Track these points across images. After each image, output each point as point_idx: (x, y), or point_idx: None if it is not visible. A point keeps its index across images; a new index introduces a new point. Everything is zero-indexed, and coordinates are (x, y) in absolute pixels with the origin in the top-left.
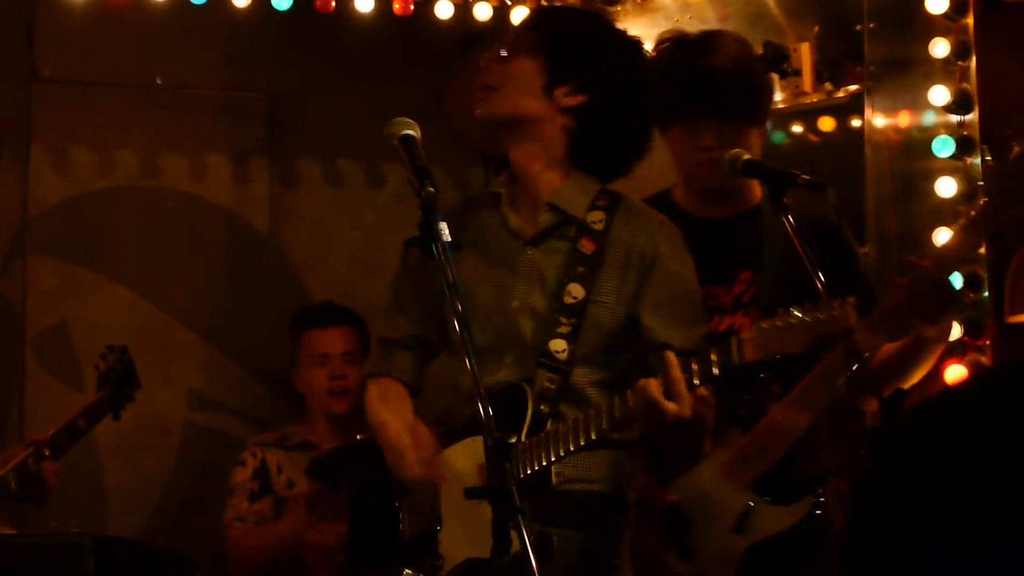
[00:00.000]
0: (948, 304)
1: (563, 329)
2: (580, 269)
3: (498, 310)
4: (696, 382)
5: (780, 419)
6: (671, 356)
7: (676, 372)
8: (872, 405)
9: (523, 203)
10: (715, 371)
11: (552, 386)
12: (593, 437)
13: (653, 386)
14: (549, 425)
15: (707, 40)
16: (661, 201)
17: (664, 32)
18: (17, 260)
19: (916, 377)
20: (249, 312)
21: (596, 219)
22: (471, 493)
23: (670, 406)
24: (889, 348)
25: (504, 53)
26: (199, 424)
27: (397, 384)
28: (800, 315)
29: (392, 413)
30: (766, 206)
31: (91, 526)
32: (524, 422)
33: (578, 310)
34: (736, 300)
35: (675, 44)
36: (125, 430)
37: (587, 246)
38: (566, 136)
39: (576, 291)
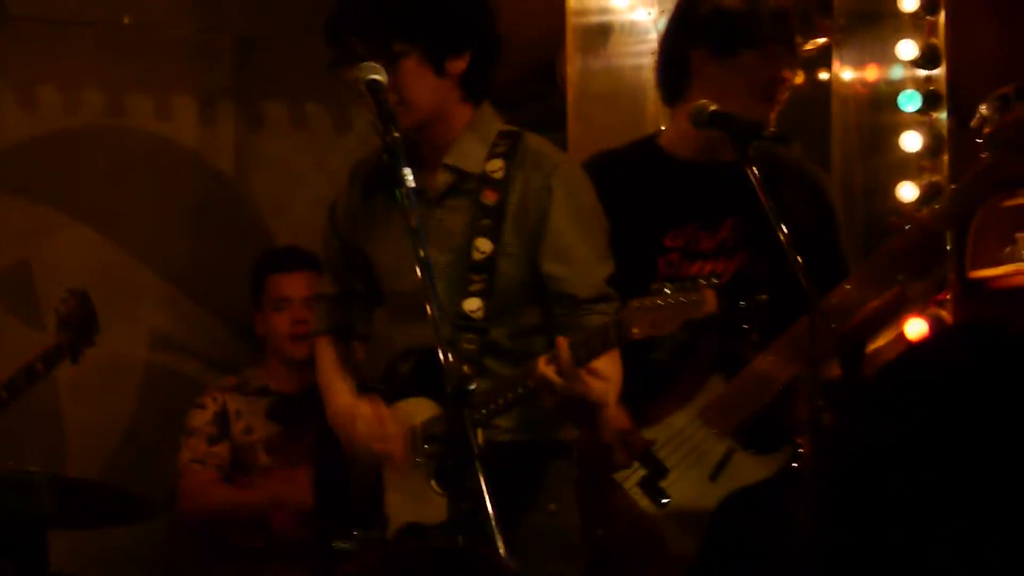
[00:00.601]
0: (939, 261)
1: (475, 287)
2: (485, 222)
3: (411, 269)
4: (582, 359)
5: (763, 368)
6: (561, 342)
7: (564, 354)
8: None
9: (423, 165)
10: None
11: (472, 346)
12: (504, 405)
13: (541, 365)
14: (474, 384)
15: None
16: (644, 146)
17: None
18: None
19: (890, 334)
20: (213, 254)
21: (495, 168)
22: (431, 439)
23: (560, 383)
24: (867, 306)
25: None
26: (160, 365)
27: (340, 341)
28: (665, 297)
29: (340, 383)
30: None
31: (50, 466)
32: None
33: (487, 265)
34: (720, 245)
35: None
36: (86, 370)
37: (489, 197)
38: (456, 90)
39: (483, 245)
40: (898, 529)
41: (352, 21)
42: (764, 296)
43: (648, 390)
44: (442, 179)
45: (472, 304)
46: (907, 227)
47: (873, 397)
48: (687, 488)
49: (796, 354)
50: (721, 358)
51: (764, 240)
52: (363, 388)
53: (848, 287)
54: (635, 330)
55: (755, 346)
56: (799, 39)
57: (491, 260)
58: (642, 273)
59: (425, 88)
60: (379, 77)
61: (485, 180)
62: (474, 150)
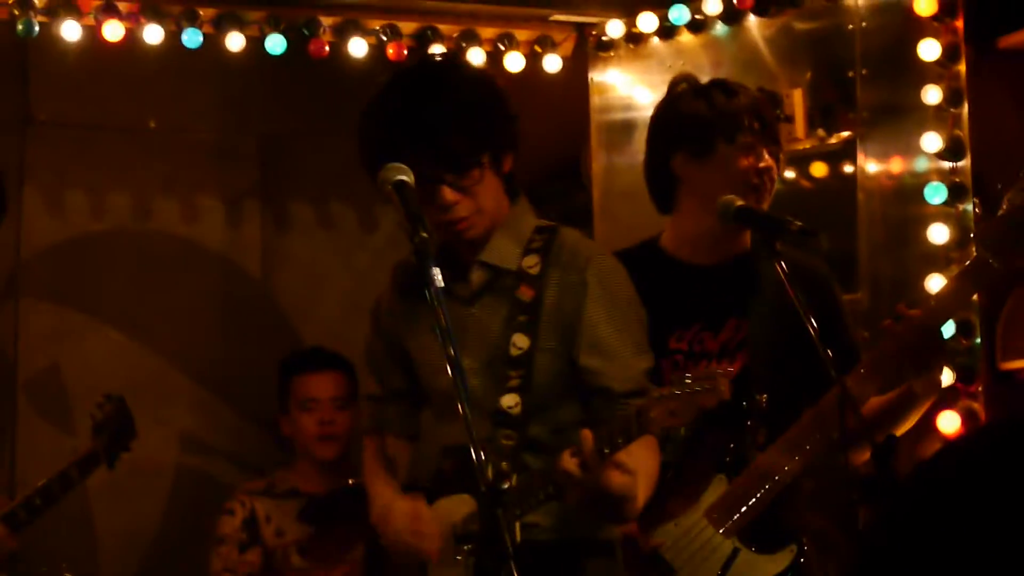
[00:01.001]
0: (938, 356)
1: (513, 383)
2: (521, 318)
3: (445, 366)
4: (606, 451)
5: (768, 465)
6: (586, 434)
7: (587, 446)
8: (861, 456)
9: (460, 260)
10: (619, 442)
11: (511, 442)
12: (541, 500)
13: (565, 459)
14: (513, 480)
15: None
16: (647, 248)
17: (676, 77)
18: (9, 303)
19: (904, 428)
20: (241, 356)
21: (531, 264)
22: (464, 538)
23: (581, 476)
24: (877, 399)
25: (467, 184)
26: (191, 467)
27: (388, 441)
28: (684, 386)
29: (380, 483)
30: (757, 252)
31: (82, 570)
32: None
33: (525, 361)
34: (723, 346)
35: (694, 83)
36: (117, 474)
37: (526, 293)
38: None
39: (521, 341)
40: None
41: (428, 148)
42: (764, 396)
43: (654, 491)
44: (477, 277)
45: (510, 400)
46: (899, 326)
47: (910, 497)
48: None
49: (800, 449)
50: (725, 458)
51: (768, 338)
52: (410, 487)
53: (851, 383)
54: (655, 420)
55: (759, 446)
56: (776, 126)
57: (528, 356)
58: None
59: (495, 193)
60: (406, 178)
61: (521, 276)
62: (509, 246)
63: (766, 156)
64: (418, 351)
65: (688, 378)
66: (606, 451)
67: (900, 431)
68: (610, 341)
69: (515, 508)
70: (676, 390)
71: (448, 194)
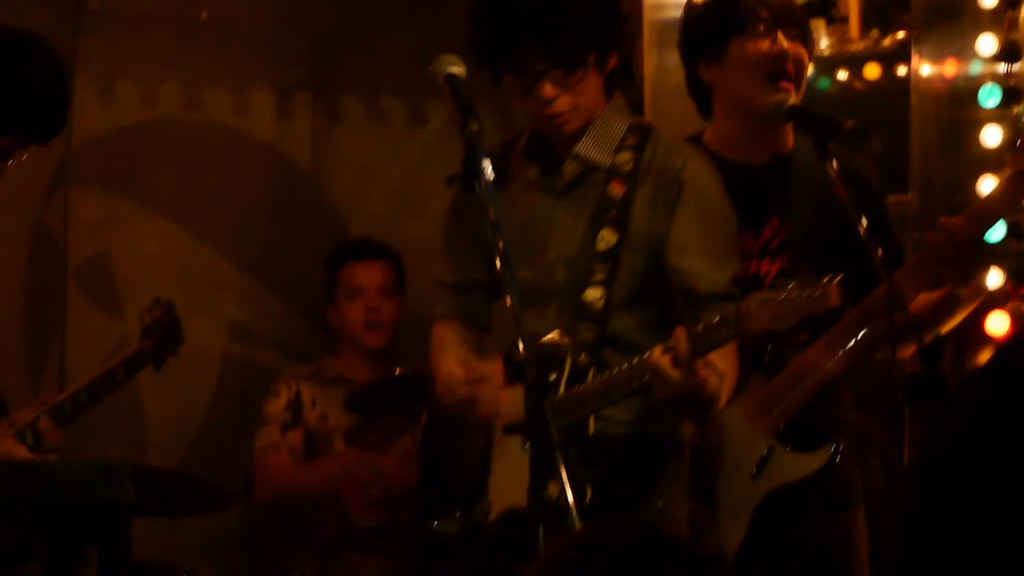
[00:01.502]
0: (980, 262)
1: (598, 277)
2: (611, 213)
3: (535, 259)
4: (699, 350)
5: (809, 363)
6: (680, 331)
7: (682, 344)
8: (906, 352)
9: (551, 152)
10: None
11: (591, 335)
12: (620, 396)
13: (657, 355)
14: (591, 375)
15: None
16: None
17: None
18: (60, 191)
19: (948, 327)
20: (289, 247)
21: (624, 159)
22: (509, 429)
23: (674, 373)
24: (922, 298)
25: (567, 80)
26: (238, 356)
27: (457, 327)
28: (789, 291)
29: (447, 354)
30: (799, 152)
31: (131, 454)
32: (563, 372)
33: (612, 255)
34: (764, 246)
35: None
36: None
37: (616, 189)
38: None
39: (609, 236)
40: (999, 532)
41: (538, 35)
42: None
43: None
44: (570, 169)
45: (594, 293)
46: (945, 228)
47: (972, 398)
48: (731, 486)
49: (842, 346)
50: (763, 357)
51: (808, 239)
52: None
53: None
54: (754, 323)
55: (799, 345)
56: (797, 11)
57: (615, 251)
58: None
59: (596, 90)
60: (457, 70)
61: (613, 172)
62: (603, 142)
63: (783, 40)
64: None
65: (793, 283)
66: (699, 350)
67: (944, 330)
68: (699, 244)
69: (591, 403)
70: (781, 294)
71: (549, 89)
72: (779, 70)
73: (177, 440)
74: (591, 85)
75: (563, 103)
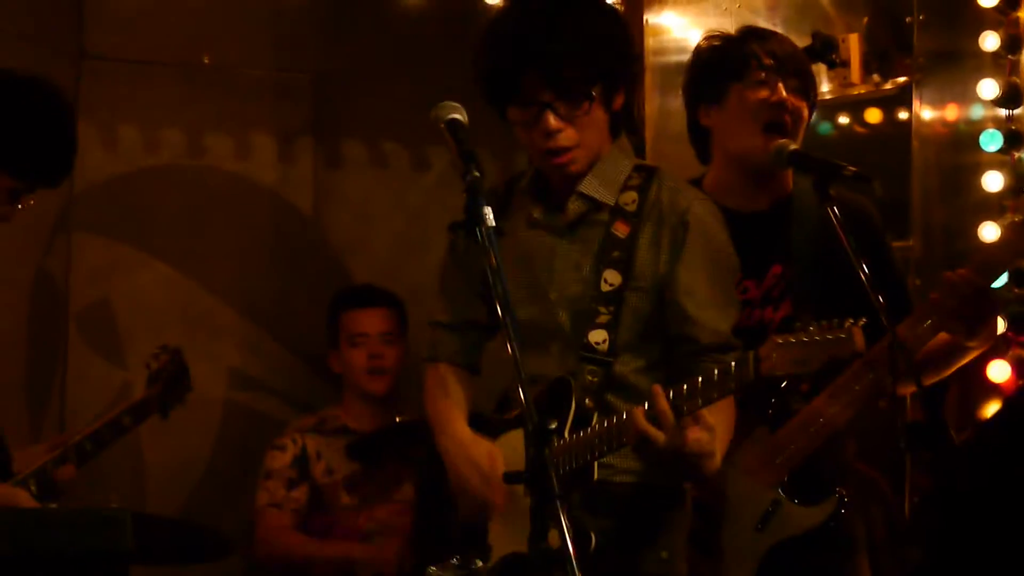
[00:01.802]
0: (987, 314)
1: (602, 319)
2: (615, 254)
3: (536, 299)
4: (684, 408)
5: (815, 412)
6: (656, 389)
7: (662, 404)
8: (906, 390)
9: (554, 192)
10: (732, 386)
11: (595, 379)
12: (622, 443)
13: (639, 416)
14: (595, 419)
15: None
16: None
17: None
18: (62, 236)
19: (949, 372)
20: (291, 292)
21: (629, 200)
22: (509, 478)
23: (659, 436)
24: (923, 349)
25: (570, 112)
26: (239, 403)
27: (454, 370)
28: (811, 333)
29: (454, 412)
30: (799, 197)
31: (131, 502)
32: (568, 416)
33: (615, 297)
34: (766, 294)
35: (722, 36)
36: None
37: (621, 229)
38: (608, 125)
39: (612, 278)
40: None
41: (542, 65)
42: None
43: None
44: (574, 207)
45: (598, 336)
46: (953, 278)
47: (983, 449)
48: (735, 538)
49: (848, 394)
50: (767, 410)
51: (810, 285)
52: (475, 418)
53: (902, 330)
54: (775, 366)
55: (803, 395)
56: (801, 63)
57: (619, 293)
58: None
59: (600, 129)
60: (459, 116)
61: (618, 212)
62: (609, 181)
63: (782, 90)
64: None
65: (815, 326)
66: (684, 408)
67: (946, 373)
68: (703, 290)
69: (594, 449)
70: (804, 337)
71: (553, 121)
72: (776, 120)
73: (177, 487)
74: (596, 122)
75: (567, 137)
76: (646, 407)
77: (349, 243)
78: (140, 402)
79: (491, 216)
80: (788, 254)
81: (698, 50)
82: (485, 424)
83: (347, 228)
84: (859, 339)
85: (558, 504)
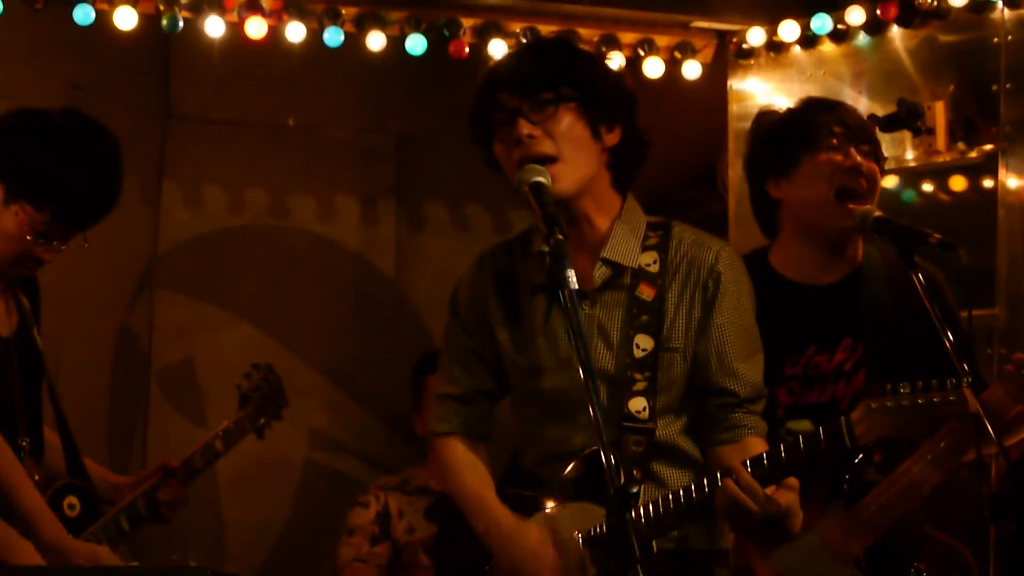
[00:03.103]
0: None
1: (639, 386)
2: (644, 318)
3: (563, 368)
4: (775, 472)
5: (911, 474)
6: (737, 465)
7: (747, 478)
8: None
9: (574, 257)
10: (822, 454)
11: (639, 448)
12: (679, 521)
13: (733, 486)
14: (642, 490)
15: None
16: (756, 263)
17: (761, 109)
18: (146, 294)
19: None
20: (373, 354)
21: (649, 261)
22: (594, 541)
23: (754, 507)
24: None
25: (540, 116)
26: (319, 463)
27: (469, 443)
28: (913, 396)
29: (492, 497)
30: (868, 267)
31: (210, 560)
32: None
33: (650, 363)
34: (838, 368)
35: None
36: (246, 466)
37: (646, 291)
38: (607, 172)
39: (644, 342)
40: None
41: (510, 78)
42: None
43: None
44: (599, 274)
45: (638, 404)
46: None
47: None
48: None
49: (937, 463)
50: (843, 484)
51: (884, 357)
52: (505, 493)
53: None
54: (873, 432)
55: (877, 465)
56: (870, 129)
57: (653, 357)
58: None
59: (582, 146)
60: (543, 180)
61: (641, 274)
62: (629, 243)
63: (856, 156)
64: (521, 352)
65: (911, 389)
66: (776, 475)
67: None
68: (738, 343)
69: (663, 526)
70: (904, 401)
71: (524, 126)
72: (851, 185)
73: (257, 547)
74: (575, 136)
75: (540, 144)
76: (734, 480)
77: (431, 305)
78: (232, 425)
79: (574, 279)
80: (858, 326)
81: (760, 121)
82: (511, 501)
83: (429, 290)
84: (971, 399)
85: (639, 569)
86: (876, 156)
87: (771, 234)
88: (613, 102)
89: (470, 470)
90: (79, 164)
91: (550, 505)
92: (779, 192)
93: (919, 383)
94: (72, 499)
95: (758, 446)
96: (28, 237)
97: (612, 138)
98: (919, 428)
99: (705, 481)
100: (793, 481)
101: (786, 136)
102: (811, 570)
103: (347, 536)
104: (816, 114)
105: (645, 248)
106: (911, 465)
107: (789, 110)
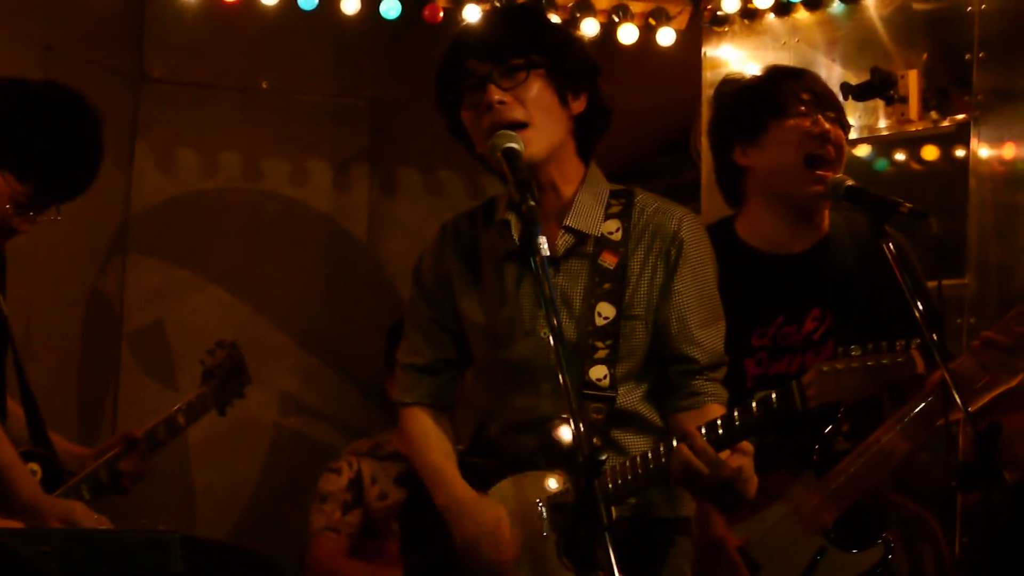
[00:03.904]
0: None
1: (600, 354)
2: (606, 286)
3: (525, 337)
4: (725, 444)
5: (881, 443)
6: (692, 430)
7: (701, 443)
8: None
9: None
10: (775, 419)
11: (600, 416)
12: (636, 491)
13: (686, 451)
14: (605, 455)
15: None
16: (723, 232)
17: (724, 77)
18: (117, 257)
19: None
20: (345, 318)
21: (612, 229)
22: (557, 508)
23: (705, 470)
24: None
25: (510, 83)
26: (290, 428)
27: (432, 414)
28: (862, 359)
29: (450, 469)
30: (835, 236)
31: (180, 524)
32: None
33: (611, 330)
34: (807, 338)
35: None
36: (217, 431)
37: (609, 259)
38: (572, 140)
39: (606, 310)
40: None
41: (480, 45)
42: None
43: None
44: (562, 241)
45: (599, 372)
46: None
47: None
48: None
49: (907, 433)
50: (811, 455)
51: (852, 326)
52: (463, 465)
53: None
54: (823, 395)
55: (847, 436)
56: (834, 96)
57: (615, 325)
58: (728, 376)
59: (551, 113)
60: (516, 146)
61: (604, 242)
62: (592, 211)
63: (823, 122)
64: (485, 320)
65: (863, 352)
66: (725, 444)
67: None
68: (699, 310)
69: (620, 493)
70: (853, 363)
71: (494, 92)
72: (820, 152)
73: (227, 511)
74: (549, 106)
75: (511, 110)
76: (687, 445)
77: (403, 269)
78: (195, 399)
79: (546, 246)
80: (827, 295)
81: (724, 89)
82: (474, 471)
83: (401, 254)
84: (919, 360)
85: (608, 537)
86: (842, 123)
87: (736, 203)
88: (580, 70)
89: (432, 442)
90: (65, 138)
91: (510, 477)
92: (746, 160)
93: (869, 345)
94: (34, 465)
95: (718, 413)
96: (7, 207)
97: (578, 106)
98: (869, 390)
99: (662, 448)
100: (747, 445)
101: (753, 103)
102: (780, 540)
103: (319, 503)
104: (783, 81)
105: (608, 216)
106: (881, 435)
107: (755, 77)
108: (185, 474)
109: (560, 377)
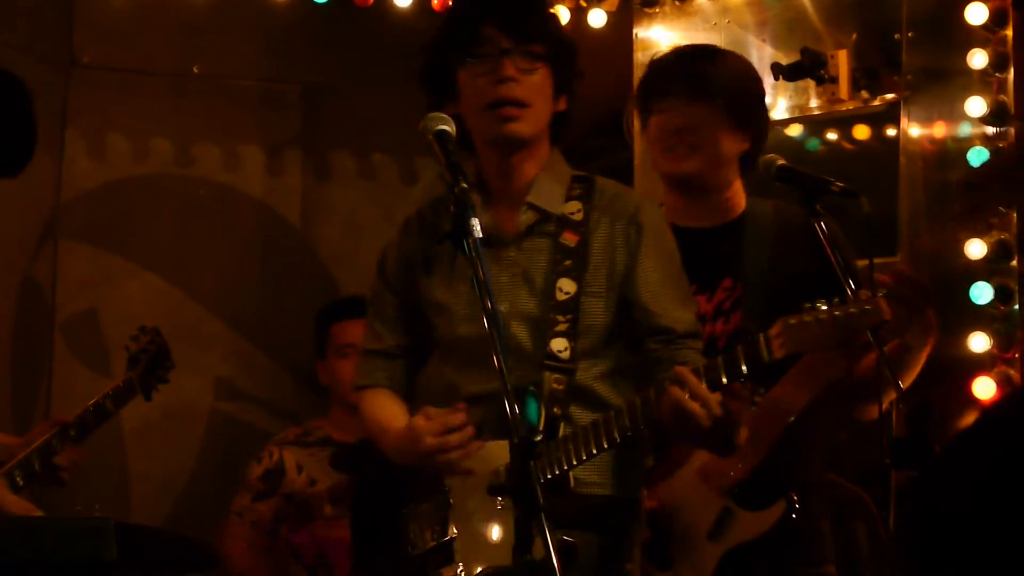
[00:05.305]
0: (925, 301)
1: (561, 327)
2: (567, 263)
3: (472, 316)
4: (724, 380)
5: (777, 398)
6: (685, 371)
7: (695, 384)
8: (870, 413)
9: (498, 202)
10: (743, 369)
11: (560, 387)
12: (617, 439)
13: (678, 391)
14: (562, 428)
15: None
16: None
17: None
18: (49, 244)
19: (908, 380)
20: (279, 304)
21: (574, 209)
22: (494, 490)
23: (701, 412)
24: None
25: (527, 64)
26: (225, 414)
27: (390, 394)
28: (828, 310)
29: (394, 419)
30: (753, 213)
31: (115, 511)
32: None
33: (572, 306)
34: (717, 307)
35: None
36: (152, 417)
37: (570, 238)
38: (548, 134)
39: (567, 286)
40: None
41: (500, 16)
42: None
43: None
44: (524, 219)
45: (559, 344)
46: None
47: (953, 466)
48: (688, 548)
49: (800, 385)
50: None
51: (762, 299)
52: None
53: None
54: (789, 346)
55: (749, 402)
56: (717, 81)
57: (575, 300)
58: None
59: (547, 103)
60: (447, 127)
61: (565, 221)
62: (554, 191)
63: (678, 119)
64: (444, 299)
65: (827, 305)
66: (724, 381)
67: (905, 384)
68: (668, 286)
69: (569, 457)
70: (820, 315)
71: (509, 68)
72: (669, 147)
73: (162, 498)
74: (545, 97)
75: (519, 89)
76: (680, 388)
77: (337, 254)
78: (120, 385)
79: (479, 228)
80: (739, 268)
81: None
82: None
83: (335, 239)
84: (886, 308)
85: (543, 518)
86: (711, 113)
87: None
88: (573, 74)
89: (382, 410)
90: None
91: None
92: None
93: (835, 299)
94: None
95: None
96: None
97: (561, 104)
98: (836, 339)
99: (638, 400)
100: (741, 391)
101: (641, 87)
102: (687, 500)
103: (240, 488)
104: (661, 69)
105: (570, 198)
106: (773, 390)
107: (665, 57)
108: (120, 461)
109: (495, 359)
